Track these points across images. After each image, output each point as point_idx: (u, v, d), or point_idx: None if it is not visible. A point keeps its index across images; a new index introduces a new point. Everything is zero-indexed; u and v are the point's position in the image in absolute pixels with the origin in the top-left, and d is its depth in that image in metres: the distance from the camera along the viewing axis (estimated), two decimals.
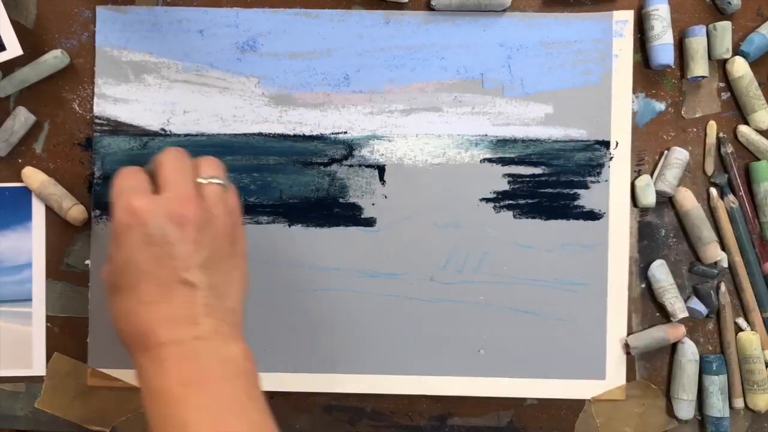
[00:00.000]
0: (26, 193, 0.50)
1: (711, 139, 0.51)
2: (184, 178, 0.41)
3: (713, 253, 0.50)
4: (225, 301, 0.40)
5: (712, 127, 0.51)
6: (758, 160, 0.51)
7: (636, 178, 0.50)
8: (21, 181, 0.50)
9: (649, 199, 0.50)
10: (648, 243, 0.51)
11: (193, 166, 0.42)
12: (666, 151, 0.50)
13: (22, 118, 0.49)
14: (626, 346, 0.50)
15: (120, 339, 0.40)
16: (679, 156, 0.50)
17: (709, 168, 0.51)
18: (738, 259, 0.51)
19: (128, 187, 0.40)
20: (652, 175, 0.50)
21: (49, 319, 0.51)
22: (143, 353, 0.38)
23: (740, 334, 0.51)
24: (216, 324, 0.39)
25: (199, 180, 0.41)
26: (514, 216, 0.50)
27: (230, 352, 0.39)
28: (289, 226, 0.50)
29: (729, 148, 0.50)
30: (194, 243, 0.39)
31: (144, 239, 0.38)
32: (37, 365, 0.51)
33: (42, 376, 0.51)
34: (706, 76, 0.50)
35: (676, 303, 0.49)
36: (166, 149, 0.42)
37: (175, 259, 0.38)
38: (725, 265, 0.51)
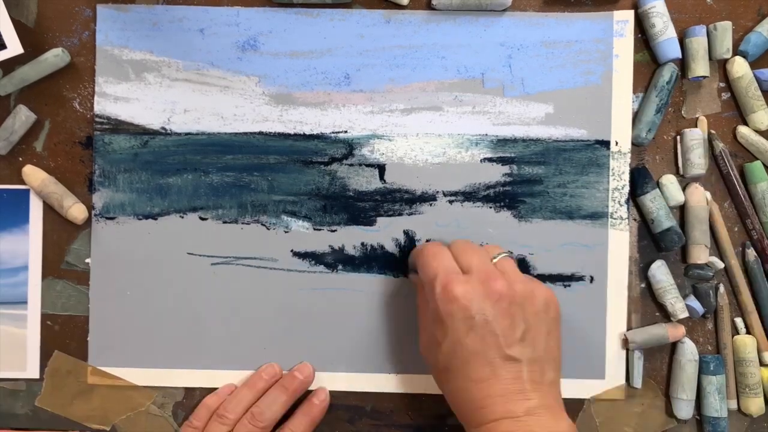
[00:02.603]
0: (24, 194, 0.50)
1: (704, 135, 0.51)
2: (485, 258, 0.43)
3: (699, 255, 0.50)
4: (546, 375, 0.41)
5: (703, 122, 0.51)
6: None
7: (660, 177, 0.51)
8: (21, 180, 0.50)
9: (679, 197, 0.50)
10: (648, 243, 0.51)
11: (485, 249, 0.45)
12: (678, 137, 0.50)
13: (22, 117, 0.49)
14: (625, 341, 0.50)
15: (455, 413, 0.43)
16: (693, 137, 0.49)
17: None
18: (734, 261, 0.51)
19: (444, 269, 0.43)
20: (676, 165, 0.50)
21: (49, 317, 0.51)
22: (477, 428, 0.40)
23: (736, 337, 0.51)
24: (543, 398, 0.40)
25: (492, 259, 0.44)
26: (514, 216, 0.50)
27: (559, 427, 0.40)
28: (290, 225, 0.50)
29: (717, 147, 0.50)
30: (510, 318, 0.41)
31: (467, 322, 0.41)
32: (31, 368, 0.51)
33: (35, 379, 0.51)
34: (707, 76, 0.50)
35: (676, 303, 0.49)
36: (457, 240, 0.45)
37: (497, 336, 0.40)
38: (720, 266, 0.51)
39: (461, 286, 0.41)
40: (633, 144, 0.50)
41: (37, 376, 0.51)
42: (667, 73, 0.49)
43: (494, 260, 0.44)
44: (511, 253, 0.45)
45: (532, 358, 0.41)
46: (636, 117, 0.50)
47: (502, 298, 0.41)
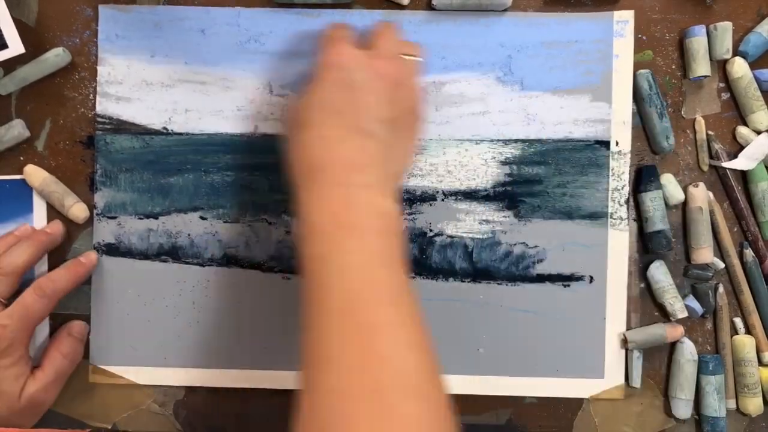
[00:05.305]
0: (27, 186, 0.50)
1: (701, 135, 0.51)
2: (393, 45, 0.44)
3: (703, 255, 0.50)
4: (392, 163, 0.42)
5: (701, 123, 0.51)
6: None
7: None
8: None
9: (679, 195, 0.50)
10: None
11: (402, 42, 0.46)
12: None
13: (15, 132, 0.49)
14: (624, 341, 0.50)
15: (291, 172, 0.41)
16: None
17: (704, 165, 0.51)
18: (735, 261, 0.51)
19: (340, 35, 0.44)
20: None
21: (50, 316, 0.51)
22: (309, 188, 0.40)
23: (734, 337, 0.51)
24: (381, 178, 0.40)
25: (404, 55, 0.44)
26: (514, 216, 0.51)
27: (387, 207, 0.40)
28: (291, 225, 0.51)
29: (715, 147, 0.50)
30: (385, 99, 0.41)
31: (343, 82, 0.41)
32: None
33: None
34: (709, 75, 0.50)
35: (675, 303, 0.50)
36: (384, 23, 0.46)
37: (364, 107, 0.41)
38: (720, 266, 0.51)
39: (352, 49, 0.42)
40: (658, 153, 0.50)
41: None
42: (644, 80, 0.49)
43: (406, 57, 0.44)
44: (423, 64, 0.46)
45: (387, 143, 0.41)
46: (646, 130, 0.50)
47: (385, 77, 0.41)
